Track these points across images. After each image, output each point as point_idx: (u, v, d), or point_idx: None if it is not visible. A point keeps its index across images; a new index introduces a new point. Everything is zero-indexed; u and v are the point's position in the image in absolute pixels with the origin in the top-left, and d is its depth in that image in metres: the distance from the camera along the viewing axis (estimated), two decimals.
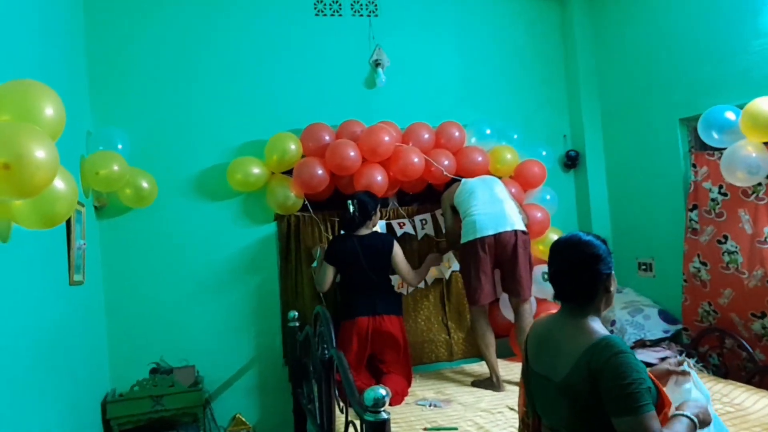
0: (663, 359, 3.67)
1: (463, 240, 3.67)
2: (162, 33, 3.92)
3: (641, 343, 3.85)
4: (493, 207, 3.63)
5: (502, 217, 3.59)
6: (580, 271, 1.66)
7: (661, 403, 1.58)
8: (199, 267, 3.90)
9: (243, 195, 4.01)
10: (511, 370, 3.86)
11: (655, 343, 3.85)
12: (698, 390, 1.80)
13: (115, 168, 3.35)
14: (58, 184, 1.93)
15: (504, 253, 3.57)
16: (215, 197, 3.98)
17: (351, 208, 3.60)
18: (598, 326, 1.63)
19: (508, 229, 3.57)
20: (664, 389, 1.71)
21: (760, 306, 3.33)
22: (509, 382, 3.63)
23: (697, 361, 3.62)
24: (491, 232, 3.55)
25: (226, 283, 3.96)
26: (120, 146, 3.58)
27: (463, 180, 3.88)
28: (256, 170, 3.87)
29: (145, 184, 3.63)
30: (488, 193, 3.71)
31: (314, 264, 3.88)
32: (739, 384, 3.22)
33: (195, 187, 3.96)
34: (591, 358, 1.53)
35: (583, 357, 1.55)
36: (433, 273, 4.12)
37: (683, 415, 1.57)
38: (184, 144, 3.93)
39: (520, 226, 3.63)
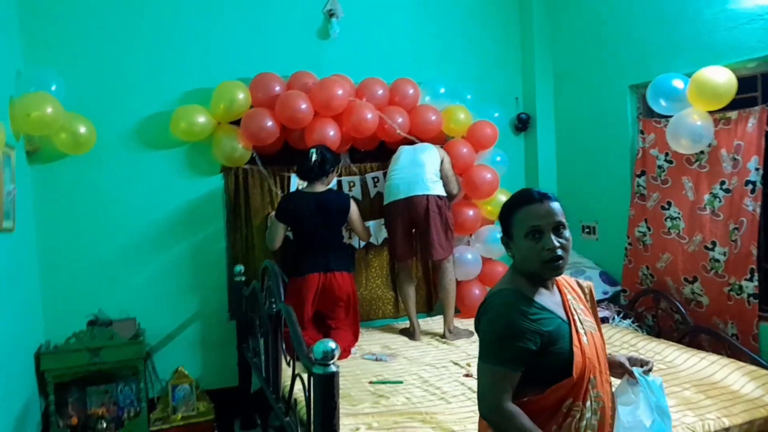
0: (602, 319, 3.81)
1: (384, 202, 3.89)
2: None
3: None
4: (409, 172, 3.78)
5: (416, 181, 3.74)
6: None
7: (572, 374, 1.51)
8: (141, 217, 3.75)
9: (187, 145, 3.85)
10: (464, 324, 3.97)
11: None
12: (651, 403, 1.65)
13: (49, 110, 3.14)
14: None
15: (416, 216, 3.71)
16: (158, 146, 3.81)
17: (313, 157, 3.50)
18: (506, 279, 1.64)
19: (419, 193, 3.70)
20: (620, 381, 1.72)
21: (693, 271, 3.47)
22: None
23: (633, 321, 3.76)
24: (402, 196, 3.73)
25: (169, 234, 3.82)
26: (54, 88, 3.34)
27: (400, 147, 3.96)
28: (201, 119, 3.71)
29: (82, 130, 3.43)
30: (411, 158, 3.84)
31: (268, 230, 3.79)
32: (671, 343, 3.38)
33: (137, 134, 3.77)
34: (480, 307, 1.62)
35: (480, 306, 1.63)
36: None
37: None
38: (125, 88, 3.71)
39: (436, 191, 3.76)
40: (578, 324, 1.59)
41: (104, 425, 3.32)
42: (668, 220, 3.64)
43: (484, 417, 1.55)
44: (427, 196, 3.72)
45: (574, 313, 1.61)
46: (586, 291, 1.75)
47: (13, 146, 2.97)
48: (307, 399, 2.10)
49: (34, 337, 3.34)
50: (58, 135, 3.37)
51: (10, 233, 2.89)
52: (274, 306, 2.79)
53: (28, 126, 3.16)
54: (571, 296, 1.66)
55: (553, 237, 1.53)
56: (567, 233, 1.57)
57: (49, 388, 3.18)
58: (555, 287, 1.65)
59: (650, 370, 1.72)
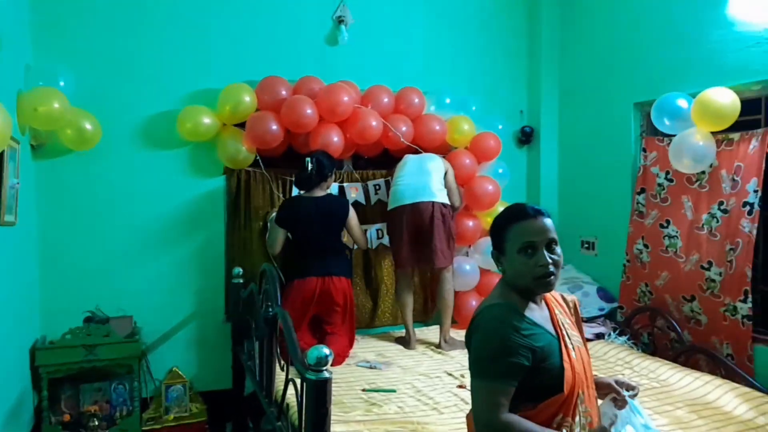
0: (598, 335, 3.82)
1: (388, 207, 3.87)
2: None
3: None
4: (415, 178, 3.80)
5: (422, 188, 3.76)
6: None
7: (563, 390, 1.53)
8: (141, 216, 3.77)
9: (191, 145, 3.87)
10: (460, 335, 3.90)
11: (591, 320, 3.98)
12: (637, 428, 1.63)
13: (56, 106, 3.17)
14: None
15: (421, 223, 3.73)
16: (162, 146, 3.82)
17: (309, 166, 3.52)
18: (497, 293, 1.65)
19: (425, 199, 3.73)
20: (602, 401, 1.71)
21: (691, 290, 3.47)
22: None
23: (629, 338, 3.76)
24: (408, 201, 3.75)
25: (169, 234, 3.83)
26: (62, 83, 3.37)
27: (405, 155, 3.97)
28: (206, 120, 3.73)
29: (87, 126, 3.45)
30: (417, 166, 3.87)
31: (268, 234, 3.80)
32: (665, 361, 3.37)
33: (141, 133, 3.78)
34: (472, 322, 1.63)
35: (471, 321, 1.64)
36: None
37: None
38: (132, 86, 3.74)
39: (441, 198, 3.78)
40: (567, 339, 1.59)
41: (96, 423, 3.30)
42: (666, 238, 3.65)
43: None
44: (433, 203, 3.73)
45: (562, 327, 1.62)
46: (571, 305, 1.77)
47: (18, 140, 2.99)
48: (299, 404, 2.10)
49: (30, 332, 3.35)
50: (63, 130, 3.39)
51: (12, 227, 2.90)
52: (270, 310, 2.79)
53: (35, 120, 3.18)
54: (558, 311, 1.67)
55: (546, 253, 1.55)
56: (559, 250, 1.59)
57: (42, 383, 3.17)
58: (543, 302, 1.66)
59: (636, 395, 1.72)
